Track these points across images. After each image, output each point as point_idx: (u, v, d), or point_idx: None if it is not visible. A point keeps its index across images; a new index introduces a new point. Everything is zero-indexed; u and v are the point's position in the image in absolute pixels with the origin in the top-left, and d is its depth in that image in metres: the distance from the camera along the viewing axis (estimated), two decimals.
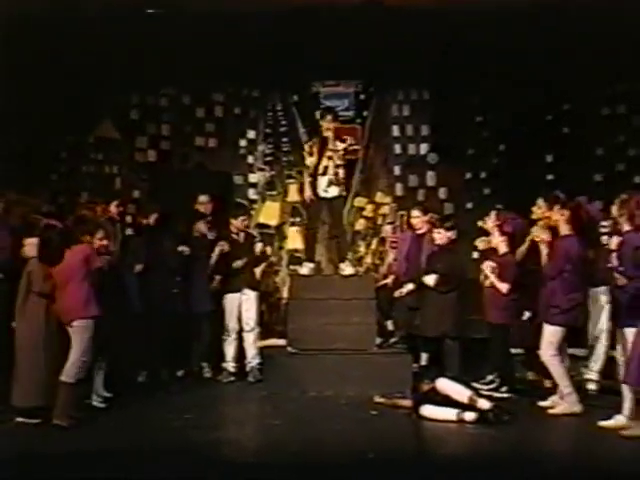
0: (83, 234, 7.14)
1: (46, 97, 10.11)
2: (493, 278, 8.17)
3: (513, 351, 8.41)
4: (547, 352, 7.31)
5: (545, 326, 7.35)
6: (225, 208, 9.65)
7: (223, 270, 9.02)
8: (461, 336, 8.49)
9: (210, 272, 9.03)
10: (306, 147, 9.09)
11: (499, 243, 8.30)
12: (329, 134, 8.89)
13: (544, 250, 7.60)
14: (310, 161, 8.92)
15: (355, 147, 11.54)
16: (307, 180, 9.00)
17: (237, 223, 9.15)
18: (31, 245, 7.11)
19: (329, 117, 9.00)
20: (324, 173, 8.83)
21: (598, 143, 11.05)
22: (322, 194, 8.89)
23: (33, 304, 6.99)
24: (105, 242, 7.42)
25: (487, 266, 8.26)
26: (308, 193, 8.97)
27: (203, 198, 9.38)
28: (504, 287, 8.11)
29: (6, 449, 6.20)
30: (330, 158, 8.83)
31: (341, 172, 8.90)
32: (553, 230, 7.57)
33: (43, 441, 6.44)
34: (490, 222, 8.45)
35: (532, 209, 8.04)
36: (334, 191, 8.90)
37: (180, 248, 8.86)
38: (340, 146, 8.92)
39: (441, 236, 8.67)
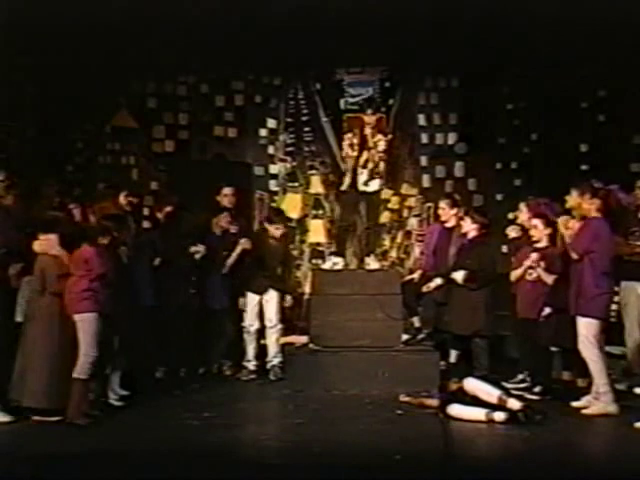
0: (102, 233, 7.19)
1: (61, 86, 9.99)
2: (540, 270, 7.91)
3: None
4: (587, 347, 7.07)
5: (578, 320, 7.14)
6: (246, 200, 9.47)
7: (247, 268, 8.89)
8: (492, 334, 8.28)
9: (228, 270, 8.89)
10: (346, 139, 8.95)
11: (544, 236, 8.07)
12: (368, 128, 8.76)
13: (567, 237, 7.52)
14: (350, 154, 8.79)
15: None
16: (348, 173, 8.83)
17: (273, 231, 8.97)
18: (44, 241, 6.99)
19: (369, 110, 8.86)
20: (364, 166, 8.74)
21: (635, 131, 10.70)
22: (362, 188, 8.75)
23: (48, 302, 6.90)
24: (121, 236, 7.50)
25: (533, 259, 7.99)
26: (345, 186, 8.80)
27: (227, 190, 9.22)
28: (550, 279, 7.85)
29: (22, 448, 6.13)
30: (370, 151, 8.73)
31: (382, 165, 8.77)
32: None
33: (59, 441, 6.34)
34: (523, 215, 8.27)
35: (566, 198, 7.79)
36: (375, 185, 8.78)
37: (193, 249, 8.72)
38: (382, 140, 8.80)
39: (467, 225, 8.42)
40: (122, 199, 8.54)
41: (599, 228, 7.14)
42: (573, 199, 7.75)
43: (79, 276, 6.87)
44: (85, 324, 6.81)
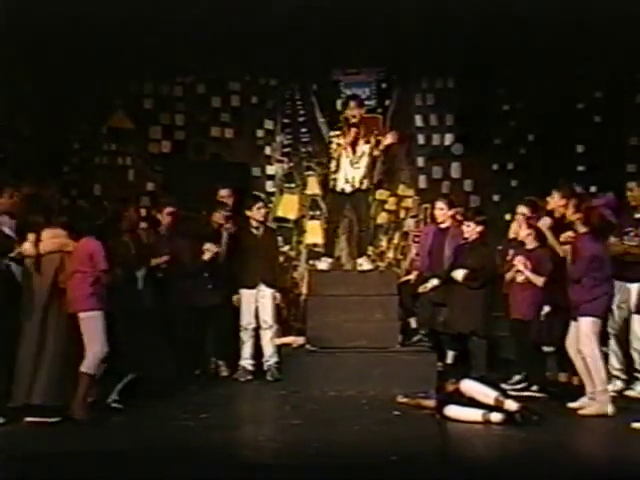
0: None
1: (58, 86, 9.99)
2: (527, 273, 7.93)
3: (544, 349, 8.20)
4: (586, 345, 7.08)
5: (579, 320, 7.13)
6: (243, 201, 9.47)
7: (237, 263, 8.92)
8: (489, 334, 8.28)
9: (222, 263, 8.92)
10: (334, 138, 8.87)
11: (526, 237, 8.08)
12: (356, 122, 8.71)
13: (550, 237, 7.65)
14: (339, 153, 8.72)
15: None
16: (346, 171, 8.72)
17: (254, 214, 8.95)
18: (55, 239, 6.97)
19: (352, 104, 8.80)
20: (356, 164, 8.67)
21: (631, 132, 10.70)
22: (356, 186, 8.72)
23: (43, 300, 6.88)
24: None
25: (519, 261, 8.00)
26: (345, 186, 8.72)
27: (224, 192, 9.27)
28: (540, 281, 7.90)
29: (20, 448, 6.12)
30: (360, 148, 8.68)
31: (365, 161, 8.73)
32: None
33: (58, 441, 6.32)
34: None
35: (547, 199, 7.91)
36: (365, 183, 8.75)
37: (206, 247, 8.73)
38: (372, 137, 8.76)
39: (471, 230, 8.44)
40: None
41: (592, 247, 7.09)
42: (554, 201, 7.83)
43: (83, 273, 6.83)
44: (92, 321, 6.80)
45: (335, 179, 8.81)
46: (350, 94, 10.49)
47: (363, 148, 8.73)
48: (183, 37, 9.75)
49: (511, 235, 8.50)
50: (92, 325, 6.80)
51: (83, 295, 6.81)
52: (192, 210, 9.31)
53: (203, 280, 8.87)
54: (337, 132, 8.90)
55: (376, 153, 8.84)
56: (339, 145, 8.75)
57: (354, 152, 8.70)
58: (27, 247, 6.95)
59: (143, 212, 9.44)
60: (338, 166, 8.76)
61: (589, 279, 7.04)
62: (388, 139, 8.90)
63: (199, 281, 8.86)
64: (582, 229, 7.20)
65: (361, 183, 8.76)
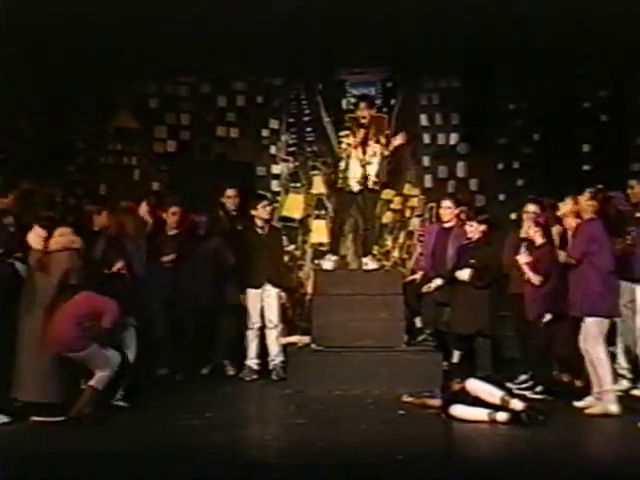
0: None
1: (61, 86, 10.03)
2: (527, 270, 7.88)
3: None
4: (593, 345, 7.05)
5: (585, 319, 7.10)
6: (248, 200, 9.48)
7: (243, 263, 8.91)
8: (494, 334, 8.27)
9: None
10: (343, 138, 8.84)
11: (534, 235, 8.04)
12: (365, 122, 8.67)
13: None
14: (349, 152, 8.69)
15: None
16: (357, 171, 8.69)
17: (259, 213, 8.94)
18: (61, 237, 6.91)
19: (363, 105, 8.78)
20: (366, 164, 8.64)
21: (636, 132, 10.69)
22: (367, 186, 8.70)
23: (49, 298, 6.82)
24: None
25: (519, 258, 7.97)
26: (355, 186, 8.69)
27: (230, 192, 9.28)
28: (537, 279, 7.84)
29: (21, 448, 6.12)
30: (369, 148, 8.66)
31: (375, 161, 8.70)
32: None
33: (59, 441, 6.31)
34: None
35: (558, 205, 7.84)
36: (376, 183, 8.74)
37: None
38: (382, 137, 8.73)
39: (473, 229, 8.42)
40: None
41: (594, 229, 7.11)
42: (567, 207, 7.80)
43: (81, 323, 6.73)
44: (89, 355, 6.73)
45: (345, 178, 8.77)
46: (360, 94, 10.49)
47: (374, 148, 8.70)
48: (183, 37, 9.76)
49: (522, 234, 8.46)
50: (90, 357, 6.74)
51: (74, 337, 6.70)
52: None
53: (210, 280, 8.87)
54: (346, 132, 8.87)
55: (386, 152, 8.80)
56: (349, 145, 8.72)
57: (364, 152, 8.67)
58: (32, 240, 6.91)
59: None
60: (347, 166, 8.73)
61: (595, 269, 7.00)
62: (398, 139, 8.88)
63: (207, 281, 8.86)
64: (589, 215, 7.17)
65: (372, 182, 8.73)
